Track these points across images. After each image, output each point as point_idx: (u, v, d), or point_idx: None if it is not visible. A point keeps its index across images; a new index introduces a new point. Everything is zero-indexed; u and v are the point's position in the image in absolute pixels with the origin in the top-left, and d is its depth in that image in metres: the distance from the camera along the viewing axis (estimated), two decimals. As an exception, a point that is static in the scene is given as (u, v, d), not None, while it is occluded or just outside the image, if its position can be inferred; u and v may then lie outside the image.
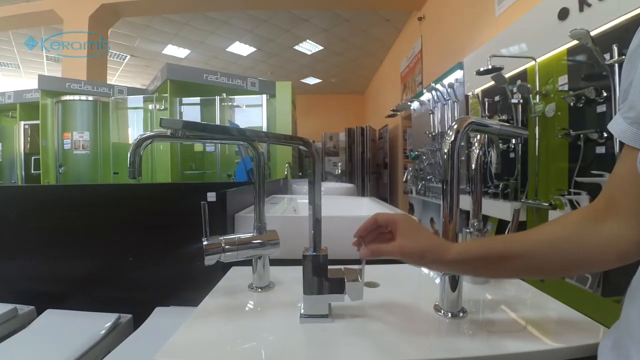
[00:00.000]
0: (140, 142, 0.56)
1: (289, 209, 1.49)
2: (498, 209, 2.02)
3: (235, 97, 3.78)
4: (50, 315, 1.03)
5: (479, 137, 0.72)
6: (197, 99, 3.76)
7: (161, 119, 0.49)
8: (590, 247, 0.42)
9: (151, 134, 0.58)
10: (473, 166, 0.71)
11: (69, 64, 4.49)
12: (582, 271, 0.46)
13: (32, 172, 4.11)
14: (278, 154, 3.71)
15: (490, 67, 1.90)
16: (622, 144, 0.40)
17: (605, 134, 1.39)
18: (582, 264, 0.44)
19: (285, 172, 2.91)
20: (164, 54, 6.41)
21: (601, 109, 1.42)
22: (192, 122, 0.53)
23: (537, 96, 1.75)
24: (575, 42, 1.46)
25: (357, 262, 0.65)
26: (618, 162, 0.41)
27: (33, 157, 4.09)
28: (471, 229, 0.69)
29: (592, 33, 1.34)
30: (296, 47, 6.37)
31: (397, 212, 1.02)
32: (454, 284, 0.57)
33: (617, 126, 0.40)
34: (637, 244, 0.40)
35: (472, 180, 0.71)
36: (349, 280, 0.56)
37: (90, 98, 3.79)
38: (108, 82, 5.13)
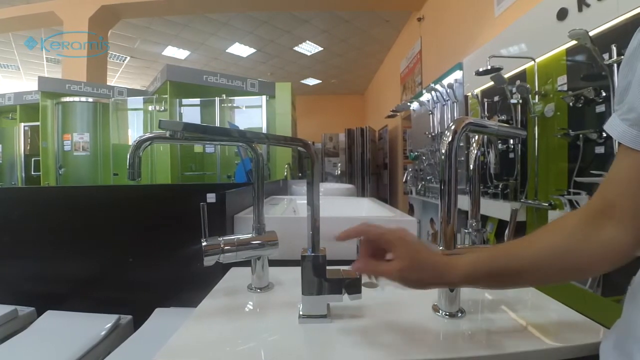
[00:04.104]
0: (139, 144, 0.56)
1: (288, 210, 1.49)
2: (498, 209, 2.02)
3: (235, 98, 3.78)
4: (51, 317, 1.03)
5: (477, 137, 0.72)
6: (197, 100, 3.76)
7: (160, 121, 0.50)
8: (591, 255, 0.41)
9: (150, 135, 0.58)
10: (471, 166, 0.71)
11: (69, 66, 4.49)
12: (580, 277, 0.47)
13: (32, 173, 4.11)
14: (278, 154, 3.71)
15: (489, 67, 1.90)
16: (620, 145, 0.40)
17: (604, 134, 1.39)
18: (582, 271, 0.44)
19: (285, 173, 2.91)
20: (164, 55, 6.42)
21: (600, 108, 1.42)
22: (192, 124, 0.53)
23: (537, 96, 1.75)
24: (574, 42, 1.46)
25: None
26: (615, 164, 0.41)
27: (33, 159, 4.10)
28: (469, 229, 0.70)
29: (591, 33, 1.34)
30: (296, 48, 6.37)
31: (393, 220, 1.00)
32: (453, 284, 0.58)
33: (615, 128, 0.40)
34: (633, 247, 0.40)
35: (470, 180, 0.71)
36: (347, 279, 0.56)
37: (90, 99, 3.80)
38: (108, 83, 5.14)
